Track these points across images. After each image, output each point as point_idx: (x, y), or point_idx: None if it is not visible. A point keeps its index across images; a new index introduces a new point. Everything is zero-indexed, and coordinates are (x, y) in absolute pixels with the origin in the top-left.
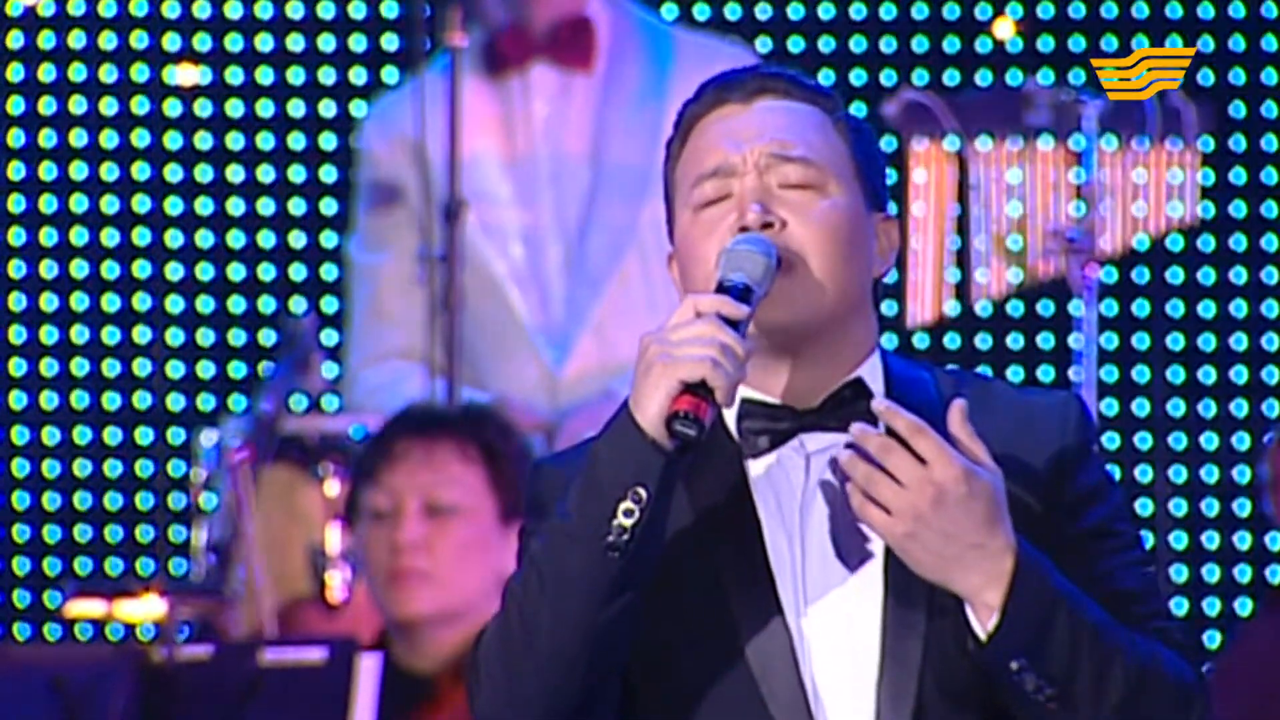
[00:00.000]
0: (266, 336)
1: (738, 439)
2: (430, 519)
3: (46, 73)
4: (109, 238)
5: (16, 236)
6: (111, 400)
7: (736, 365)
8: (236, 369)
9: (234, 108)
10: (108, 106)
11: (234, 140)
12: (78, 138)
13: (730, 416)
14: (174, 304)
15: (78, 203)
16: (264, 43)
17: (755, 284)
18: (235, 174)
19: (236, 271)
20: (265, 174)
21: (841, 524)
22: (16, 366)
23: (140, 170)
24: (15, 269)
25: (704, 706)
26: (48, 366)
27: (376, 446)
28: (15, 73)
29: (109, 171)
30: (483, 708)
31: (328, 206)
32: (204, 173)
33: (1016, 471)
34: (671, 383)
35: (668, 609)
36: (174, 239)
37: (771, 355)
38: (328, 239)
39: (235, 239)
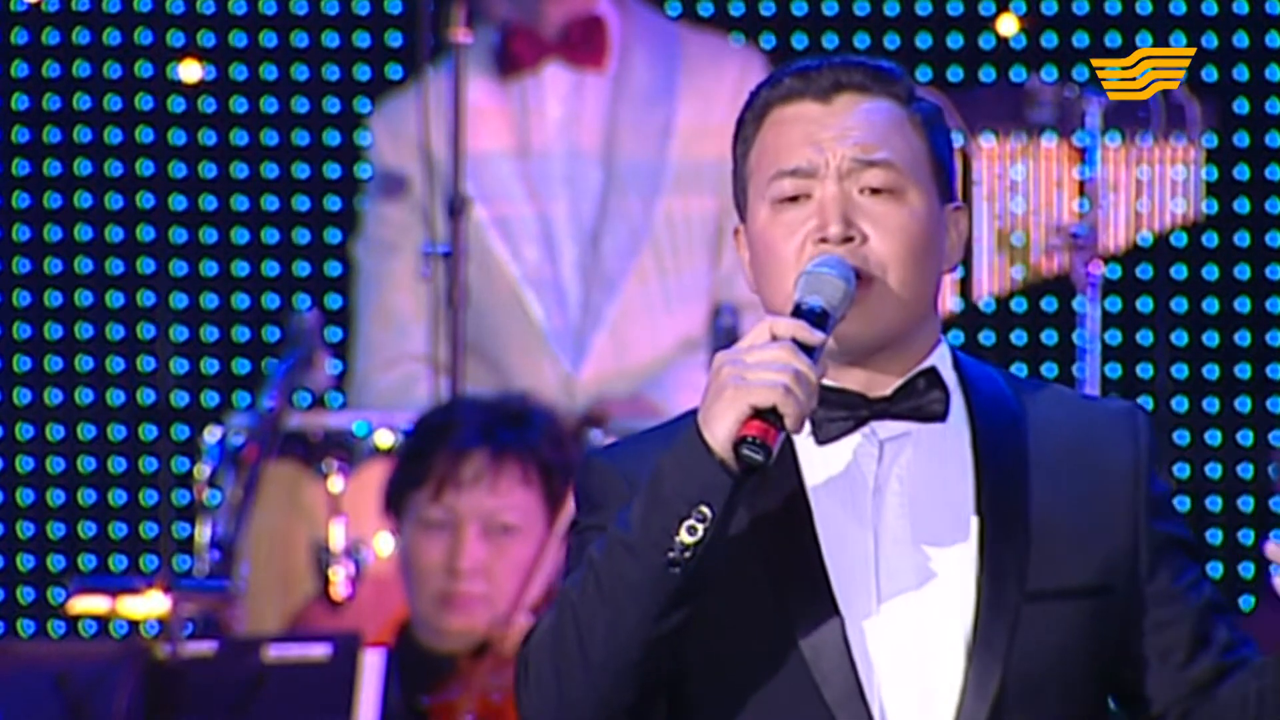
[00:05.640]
0: (270, 333)
1: (809, 425)
2: (487, 539)
3: (50, 69)
4: (112, 234)
5: (20, 232)
6: (115, 396)
7: (809, 393)
8: (240, 365)
9: (237, 104)
10: (111, 103)
11: (237, 136)
12: (81, 134)
13: None
14: (178, 300)
15: (81, 199)
16: (267, 39)
17: (832, 309)
18: (239, 170)
19: (240, 268)
20: (269, 170)
21: (921, 508)
22: (20, 363)
23: (144, 166)
24: (19, 265)
25: (760, 703)
26: (51, 363)
27: (438, 454)
28: (19, 69)
29: (112, 167)
30: (530, 708)
31: (331, 203)
32: (207, 169)
33: (1100, 472)
34: (743, 407)
35: (721, 609)
36: (178, 235)
37: (845, 354)
38: (331, 235)
39: (239, 235)
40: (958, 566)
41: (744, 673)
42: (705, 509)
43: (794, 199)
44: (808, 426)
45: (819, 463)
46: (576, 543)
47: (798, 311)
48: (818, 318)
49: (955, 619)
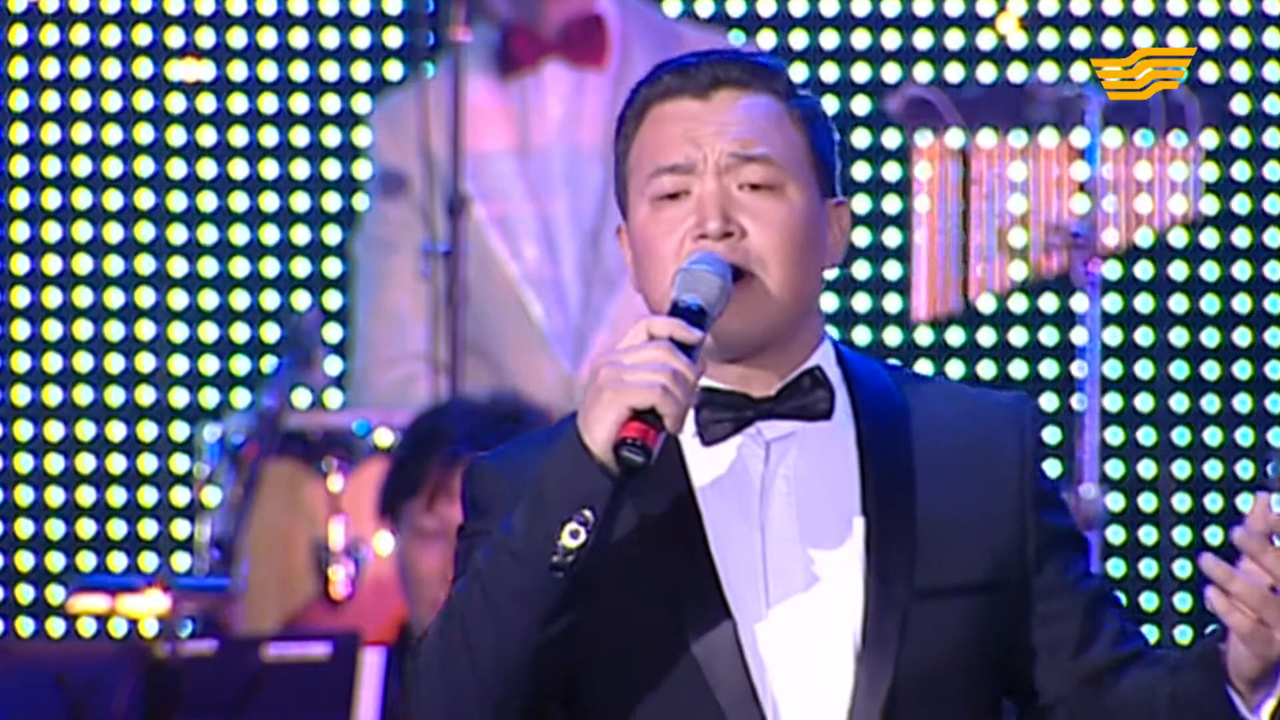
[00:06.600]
0: (270, 332)
1: (694, 426)
2: None
3: (50, 68)
4: (112, 233)
5: (20, 231)
6: (115, 395)
7: (687, 392)
8: (240, 364)
9: (237, 103)
10: (111, 102)
11: (237, 135)
12: (81, 133)
13: None
14: (177, 299)
15: (81, 198)
16: (267, 38)
17: (709, 306)
18: (238, 169)
19: (240, 267)
20: (268, 169)
21: (807, 509)
22: (20, 362)
23: (143, 165)
24: (19, 264)
25: (653, 706)
26: (51, 362)
27: (430, 464)
28: (19, 68)
29: (112, 167)
30: (419, 713)
31: (331, 202)
32: (207, 168)
33: (987, 466)
34: (621, 409)
35: (612, 612)
36: (177, 234)
37: (728, 351)
38: (331, 234)
39: (239, 234)
40: (846, 566)
41: (637, 675)
42: (587, 512)
43: (673, 196)
44: (693, 427)
45: (706, 464)
46: (464, 549)
47: (675, 310)
48: (695, 315)
49: (845, 619)
